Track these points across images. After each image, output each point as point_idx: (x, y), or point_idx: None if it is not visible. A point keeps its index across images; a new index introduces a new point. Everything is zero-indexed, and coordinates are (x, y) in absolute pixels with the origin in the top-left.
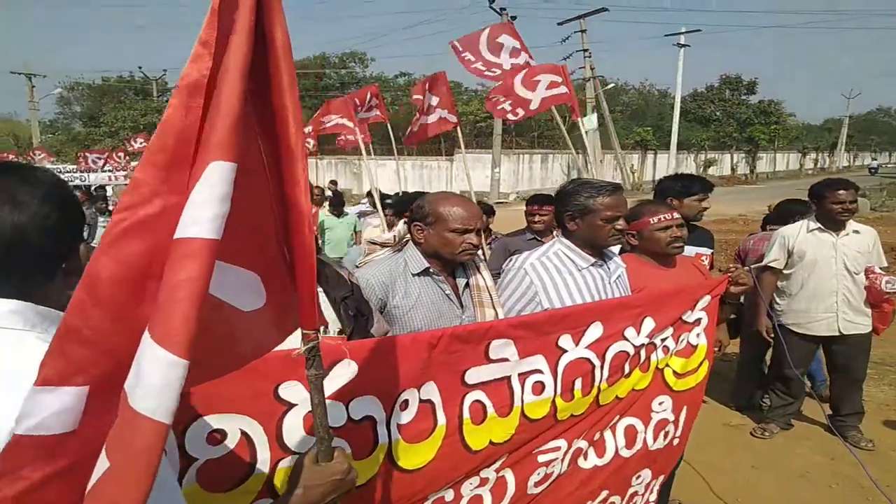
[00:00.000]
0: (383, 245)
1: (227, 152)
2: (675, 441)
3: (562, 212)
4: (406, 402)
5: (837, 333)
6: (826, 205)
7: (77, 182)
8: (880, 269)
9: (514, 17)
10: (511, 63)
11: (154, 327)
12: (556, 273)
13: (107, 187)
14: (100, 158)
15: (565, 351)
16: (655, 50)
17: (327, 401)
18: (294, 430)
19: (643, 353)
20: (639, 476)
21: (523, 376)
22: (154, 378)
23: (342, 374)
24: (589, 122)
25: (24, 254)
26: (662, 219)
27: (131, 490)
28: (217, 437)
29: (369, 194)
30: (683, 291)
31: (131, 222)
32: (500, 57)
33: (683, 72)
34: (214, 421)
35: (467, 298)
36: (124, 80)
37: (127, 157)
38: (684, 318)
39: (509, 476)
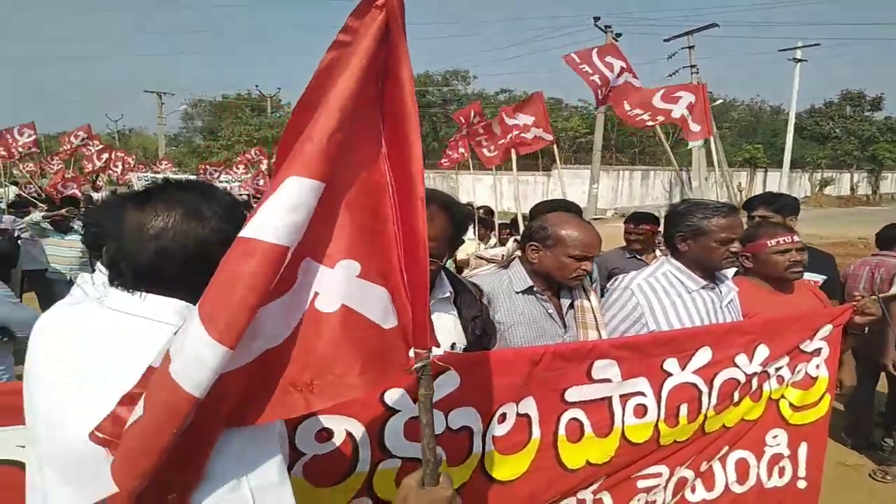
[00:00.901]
0: (490, 261)
1: (308, 170)
2: (801, 483)
3: (673, 232)
4: (504, 415)
5: None
6: None
7: None
8: None
9: (618, 35)
10: (616, 84)
11: (202, 308)
12: (664, 295)
13: None
14: (216, 170)
15: (670, 375)
16: (769, 65)
17: None
18: (395, 434)
19: (755, 381)
20: None
21: (625, 398)
22: (191, 352)
23: (445, 385)
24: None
25: (203, 264)
26: (781, 241)
27: (150, 441)
28: (325, 434)
29: None
30: (802, 319)
31: None
32: (612, 74)
33: (799, 87)
34: (324, 420)
35: (571, 319)
36: (242, 97)
37: (245, 169)
38: (802, 347)
39: (607, 499)
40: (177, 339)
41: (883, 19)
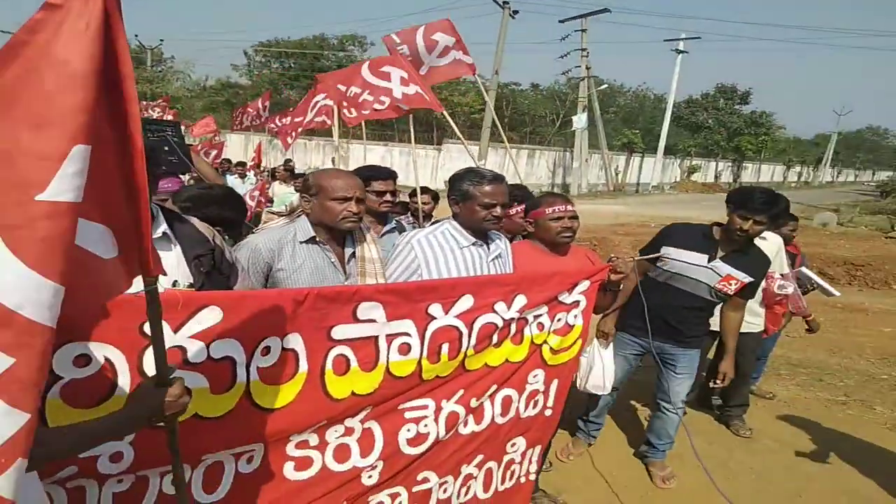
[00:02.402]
0: (280, 215)
1: (87, 138)
2: (548, 412)
3: (450, 196)
4: (268, 348)
5: None
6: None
7: None
8: (780, 274)
9: (515, 12)
10: (436, 63)
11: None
12: (438, 249)
13: None
14: None
15: (434, 318)
16: (656, 54)
17: (191, 339)
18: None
19: (513, 326)
20: (513, 444)
21: (391, 337)
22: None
23: (207, 318)
24: (578, 121)
25: None
26: (556, 210)
27: None
28: (83, 360)
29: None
30: (559, 274)
31: None
32: (430, 54)
33: (680, 78)
34: (81, 346)
35: (352, 267)
36: None
37: None
38: (560, 298)
39: (376, 429)
40: None
41: (757, 20)
